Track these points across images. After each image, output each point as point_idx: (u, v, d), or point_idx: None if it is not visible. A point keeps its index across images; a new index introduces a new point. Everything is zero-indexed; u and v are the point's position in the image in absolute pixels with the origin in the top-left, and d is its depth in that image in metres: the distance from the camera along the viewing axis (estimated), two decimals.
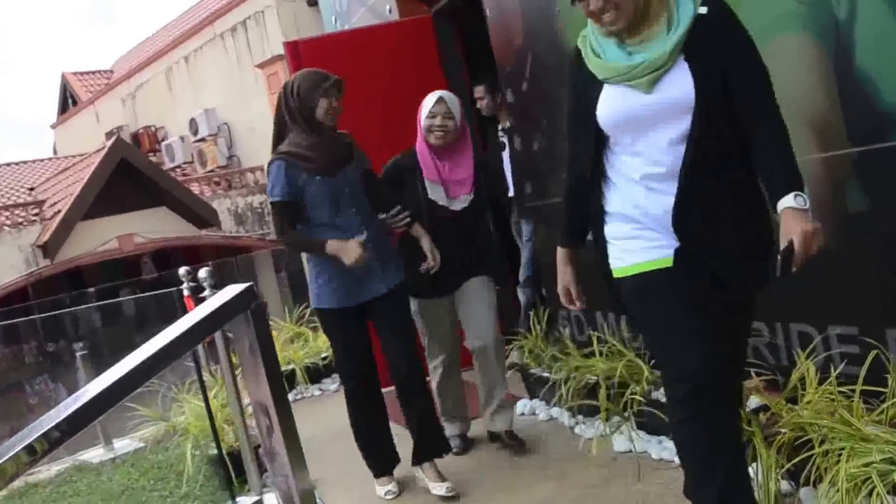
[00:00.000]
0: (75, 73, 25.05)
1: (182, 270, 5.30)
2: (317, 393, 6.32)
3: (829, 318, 2.91)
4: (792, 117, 2.86)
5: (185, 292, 5.27)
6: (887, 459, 2.22)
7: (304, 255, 3.85)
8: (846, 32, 2.62)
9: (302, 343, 6.73)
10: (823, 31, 2.70)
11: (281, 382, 1.61)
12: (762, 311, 3.16)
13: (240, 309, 1.54)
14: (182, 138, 19.33)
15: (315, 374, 6.43)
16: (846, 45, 2.63)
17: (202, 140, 18.91)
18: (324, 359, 6.49)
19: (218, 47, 18.31)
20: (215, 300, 1.53)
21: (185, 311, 5.39)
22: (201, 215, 16.34)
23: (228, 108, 18.39)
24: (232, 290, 1.53)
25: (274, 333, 6.80)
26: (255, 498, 3.52)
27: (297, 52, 5.59)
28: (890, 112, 2.53)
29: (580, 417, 3.93)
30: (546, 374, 4.30)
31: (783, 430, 2.62)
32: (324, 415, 5.53)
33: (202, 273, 4.04)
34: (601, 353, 3.87)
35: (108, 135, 19.82)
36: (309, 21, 15.94)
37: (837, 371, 2.73)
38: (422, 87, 5.09)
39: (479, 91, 5.42)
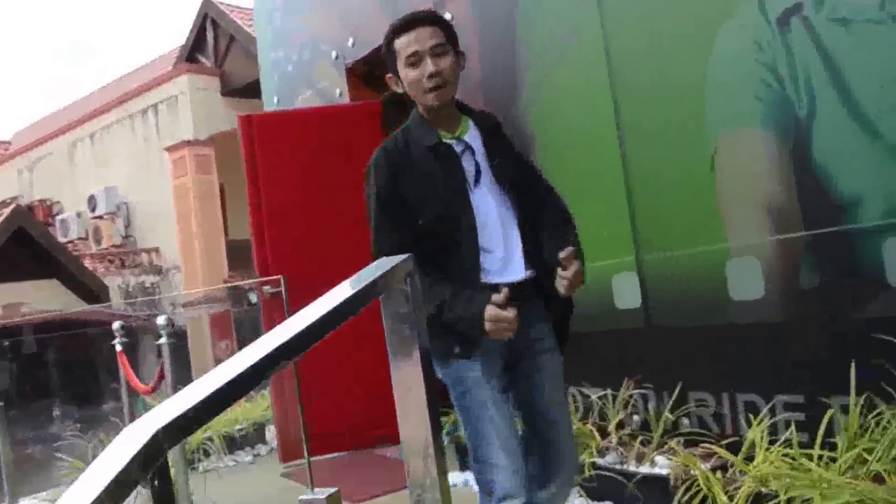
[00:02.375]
0: None
1: (116, 325, 5.31)
2: (231, 463, 6.26)
3: (777, 388, 3.20)
4: (752, 202, 3.26)
5: (118, 347, 5.26)
6: (860, 501, 2.42)
7: None
8: (804, 127, 3.03)
9: None
10: (782, 126, 3.11)
11: (430, 363, 1.58)
12: (709, 382, 3.49)
13: (403, 276, 1.51)
14: (78, 214, 18.91)
15: (230, 444, 6.37)
16: (804, 139, 3.03)
17: (99, 217, 18.55)
18: (240, 429, 6.46)
19: (126, 127, 18.23)
20: (376, 267, 1.49)
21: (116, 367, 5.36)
22: (93, 290, 15.96)
23: (130, 187, 18.20)
24: (391, 261, 1.50)
25: None
26: None
27: (251, 126, 5.76)
28: (842, 199, 2.93)
29: None
30: None
31: (742, 486, 2.80)
32: (241, 485, 5.52)
33: (160, 320, 4.09)
34: None
35: (1, 204, 19.22)
36: (220, 109, 16.23)
37: (788, 432, 2.99)
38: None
39: None
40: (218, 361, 11.10)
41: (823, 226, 2.99)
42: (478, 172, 2.33)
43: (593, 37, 3.94)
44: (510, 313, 2.09)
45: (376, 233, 2.32)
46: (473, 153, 2.35)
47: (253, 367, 1.25)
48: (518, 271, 2.30)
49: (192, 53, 17.26)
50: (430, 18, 2.34)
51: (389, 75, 2.41)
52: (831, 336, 3.01)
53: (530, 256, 2.31)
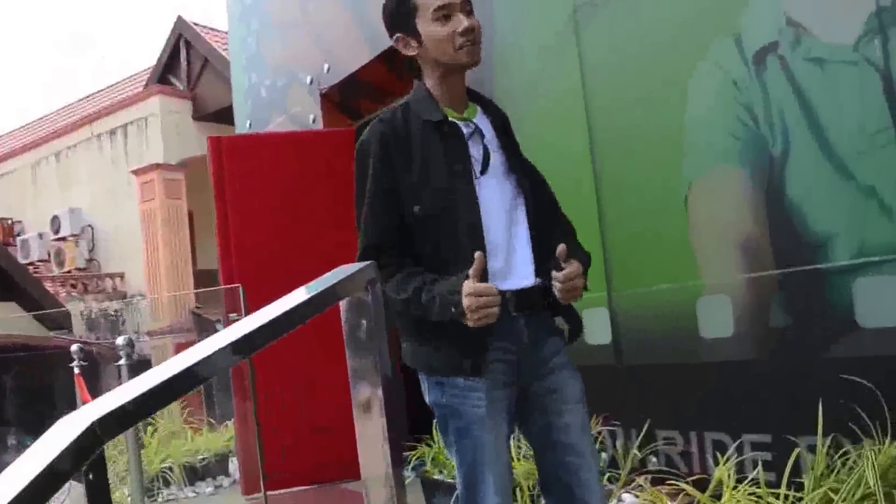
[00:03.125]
0: None
1: (74, 348, 5.20)
2: (191, 495, 6.13)
3: (745, 427, 3.19)
4: (725, 240, 3.26)
5: (76, 370, 5.14)
6: None
7: None
8: (778, 166, 3.04)
9: (182, 441, 6.55)
10: (756, 164, 3.12)
11: (391, 387, 1.55)
12: (677, 420, 3.47)
13: (363, 284, 1.48)
14: (41, 235, 18.58)
15: (191, 474, 6.23)
16: (778, 178, 3.05)
17: (62, 239, 18.23)
18: (202, 459, 6.33)
19: (93, 147, 17.98)
20: (338, 272, 1.46)
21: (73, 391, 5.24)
22: (53, 316, 15.62)
23: (96, 209, 17.92)
24: (352, 267, 1.47)
25: (150, 430, 6.61)
26: None
27: (220, 148, 5.69)
28: (813, 238, 2.94)
29: None
30: (450, 481, 4.36)
31: None
32: None
33: (120, 340, 4.00)
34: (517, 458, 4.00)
35: None
36: (192, 133, 16.09)
37: (756, 471, 2.98)
38: (339, 197, 5.31)
39: None
40: None
41: (795, 264, 3.01)
42: (486, 158, 2.03)
43: (570, 73, 3.95)
44: (492, 288, 1.83)
45: (366, 218, 2.01)
46: (482, 137, 2.06)
47: (196, 364, 1.23)
48: (522, 277, 2.00)
49: (163, 75, 17.08)
50: None
51: (398, 35, 2.08)
52: (799, 375, 3.01)
53: (540, 264, 2.01)
